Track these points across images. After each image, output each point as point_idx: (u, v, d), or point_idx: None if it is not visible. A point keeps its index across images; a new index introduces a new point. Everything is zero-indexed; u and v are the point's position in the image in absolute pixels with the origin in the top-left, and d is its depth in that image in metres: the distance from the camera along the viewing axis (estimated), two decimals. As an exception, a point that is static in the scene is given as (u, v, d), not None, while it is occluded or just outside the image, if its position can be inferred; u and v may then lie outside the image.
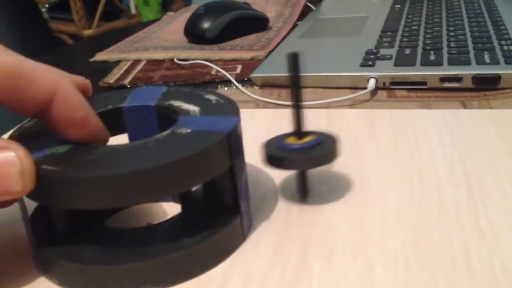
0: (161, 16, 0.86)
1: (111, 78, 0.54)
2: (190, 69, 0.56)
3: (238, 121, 0.25)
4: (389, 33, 0.58)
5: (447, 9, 0.67)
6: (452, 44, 0.51)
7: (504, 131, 0.34)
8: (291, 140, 0.27)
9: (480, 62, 0.45)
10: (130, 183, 0.21)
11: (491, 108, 0.40)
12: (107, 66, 0.59)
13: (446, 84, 0.44)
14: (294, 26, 0.70)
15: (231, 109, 0.26)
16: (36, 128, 0.25)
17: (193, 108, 0.27)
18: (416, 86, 0.45)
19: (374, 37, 0.57)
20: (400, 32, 0.58)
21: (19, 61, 0.21)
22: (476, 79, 0.43)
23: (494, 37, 0.52)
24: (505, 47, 0.48)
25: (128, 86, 0.52)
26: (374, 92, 0.45)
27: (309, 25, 0.66)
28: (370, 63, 0.48)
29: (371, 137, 0.35)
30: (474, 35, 0.53)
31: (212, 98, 0.28)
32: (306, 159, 0.26)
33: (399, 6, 0.73)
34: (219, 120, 0.25)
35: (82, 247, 0.24)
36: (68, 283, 0.23)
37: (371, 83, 0.45)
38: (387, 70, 0.46)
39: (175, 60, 0.58)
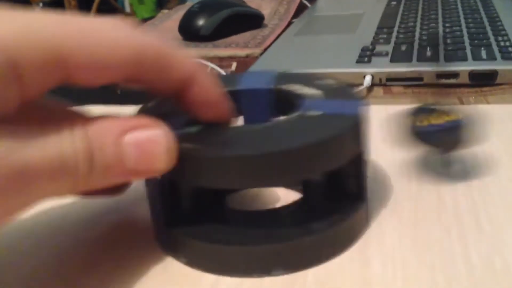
0: (156, 14, 0.85)
1: (105, 76, 0.54)
2: (184, 66, 0.55)
3: (366, 104, 0.24)
4: (385, 30, 0.58)
5: (443, 6, 0.67)
6: (448, 40, 0.51)
7: (501, 126, 0.33)
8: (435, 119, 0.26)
9: (476, 58, 0.45)
10: (268, 164, 0.21)
11: (488, 103, 0.40)
12: (101, 64, 0.59)
13: (443, 80, 0.44)
14: (290, 23, 0.70)
15: (352, 93, 0.26)
16: (159, 109, 0.25)
17: (315, 91, 0.26)
18: (413, 82, 0.45)
19: (370, 34, 0.57)
20: (396, 29, 0.58)
21: (165, 43, 0.21)
22: (473, 75, 0.43)
23: (490, 33, 0.52)
24: (502, 43, 0.48)
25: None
26: (370, 88, 0.45)
27: (305, 23, 0.66)
28: (366, 59, 0.48)
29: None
30: (471, 31, 0.53)
31: (331, 82, 0.28)
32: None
33: (395, 2, 0.73)
34: (347, 103, 0.25)
35: (211, 227, 0.24)
36: (196, 263, 0.23)
37: (367, 80, 0.45)
38: (383, 67, 0.46)
39: (170, 57, 0.58)
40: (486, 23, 0.55)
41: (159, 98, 0.26)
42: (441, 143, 0.26)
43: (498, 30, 0.52)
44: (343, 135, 0.22)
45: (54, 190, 0.19)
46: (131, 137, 0.20)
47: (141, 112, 0.26)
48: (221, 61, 0.56)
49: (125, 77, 0.21)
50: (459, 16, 0.60)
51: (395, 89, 0.45)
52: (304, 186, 0.27)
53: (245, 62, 0.55)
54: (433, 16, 0.61)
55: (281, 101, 0.27)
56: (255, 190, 0.29)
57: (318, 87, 0.27)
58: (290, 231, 0.23)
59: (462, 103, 0.40)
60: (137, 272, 0.23)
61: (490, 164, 0.29)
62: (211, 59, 0.57)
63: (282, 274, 0.22)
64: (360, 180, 0.25)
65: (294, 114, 0.24)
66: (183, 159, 0.21)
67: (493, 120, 0.34)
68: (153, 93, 0.23)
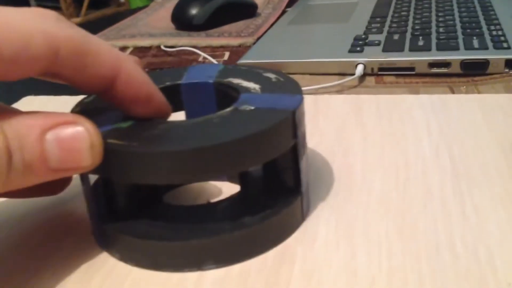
0: (149, 3, 0.84)
1: (97, 66, 0.53)
2: (177, 56, 0.55)
3: (302, 99, 0.24)
4: (378, 19, 0.58)
5: (436, -5, 0.66)
6: (441, 30, 0.51)
7: (491, 116, 0.33)
8: None
9: (468, 47, 0.45)
10: (197, 159, 0.21)
11: (479, 93, 0.40)
12: (93, 54, 0.58)
13: (434, 70, 0.44)
14: (283, 12, 0.69)
15: (292, 87, 0.26)
16: (96, 104, 0.25)
17: (253, 85, 0.26)
18: (404, 72, 0.45)
19: (363, 23, 0.57)
20: (389, 18, 0.57)
21: (86, 38, 0.21)
22: (464, 64, 0.43)
23: (483, 22, 0.52)
24: (494, 32, 0.48)
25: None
26: (362, 78, 0.45)
27: (298, 12, 0.66)
28: (358, 49, 0.48)
29: (357, 123, 0.34)
30: (463, 21, 0.53)
31: (272, 76, 0.27)
32: None
33: (389, -9, 0.72)
34: (282, 98, 0.25)
35: (144, 223, 0.24)
36: (129, 258, 0.23)
37: (359, 69, 0.45)
38: (375, 56, 0.46)
39: (162, 47, 0.57)
40: (479, 12, 0.55)
41: None
42: None
43: (491, 19, 0.52)
44: (272, 129, 0.22)
45: None
46: (52, 135, 0.20)
47: (78, 107, 0.25)
48: (213, 50, 0.56)
49: (40, 71, 0.20)
50: (452, 5, 0.60)
51: (387, 79, 0.45)
52: (241, 180, 0.27)
53: (237, 52, 0.55)
54: (426, 5, 0.61)
55: (222, 95, 0.27)
56: (197, 185, 0.29)
57: (257, 81, 0.27)
58: (221, 226, 0.23)
59: (453, 92, 0.40)
60: (72, 265, 0.23)
61: (478, 153, 0.29)
62: (203, 48, 0.57)
63: (213, 268, 0.23)
64: (296, 174, 0.25)
65: (228, 109, 0.24)
66: (111, 155, 0.21)
67: (483, 110, 0.34)
68: (78, 89, 0.22)
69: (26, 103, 0.44)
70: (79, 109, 0.25)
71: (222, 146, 0.21)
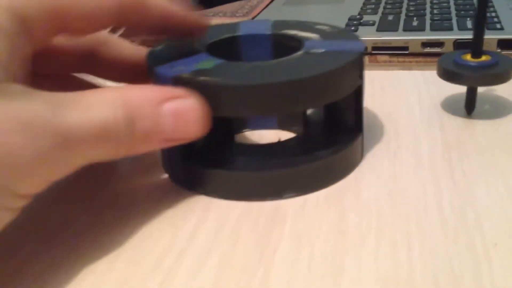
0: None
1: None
2: (171, 34, 0.55)
3: (364, 44, 0.26)
4: (373, 0, 0.58)
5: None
6: (435, 11, 0.51)
7: (485, 93, 0.34)
8: (469, 58, 0.30)
9: (462, 28, 0.45)
10: (289, 91, 0.23)
11: (471, 71, 0.40)
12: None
13: (428, 49, 0.44)
14: (279, -6, 0.69)
15: (349, 35, 0.28)
16: (169, 50, 0.27)
17: (311, 35, 0.28)
18: (398, 51, 0.45)
19: (358, 4, 0.57)
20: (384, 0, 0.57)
21: None
22: (458, 43, 0.43)
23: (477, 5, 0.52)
24: (488, 14, 0.48)
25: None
26: (356, 56, 0.45)
27: (294, -7, 0.66)
28: (353, 28, 0.48)
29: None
30: (458, 3, 0.53)
31: (324, 27, 0.29)
32: (485, 77, 0.29)
33: (384, -25, 0.72)
34: (346, 43, 0.26)
35: (225, 158, 0.26)
36: (213, 191, 0.25)
37: (353, 48, 0.45)
38: (369, 35, 0.46)
39: (157, 25, 0.57)
40: (474, -5, 0.55)
41: (164, 42, 0.28)
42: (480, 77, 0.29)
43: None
44: (347, 68, 0.24)
45: (96, 155, 0.20)
46: (168, 107, 0.21)
47: (152, 55, 0.26)
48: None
49: (112, 23, 0.23)
50: (447, -12, 0.60)
51: (381, 58, 0.45)
52: (304, 121, 0.29)
53: (232, 30, 0.54)
54: (421, -12, 0.61)
55: (280, 45, 0.29)
56: (257, 132, 0.31)
57: (314, 31, 0.29)
58: (299, 158, 0.25)
59: (445, 71, 0.41)
60: (161, 210, 0.24)
61: (469, 124, 0.30)
62: (198, 27, 0.57)
63: (293, 196, 0.24)
64: (358, 112, 0.27)
65: (299, 52, 0.26)
66: (205, 91, 0.22)
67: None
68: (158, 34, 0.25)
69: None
70: (154, 57, 0.26)
71: (309, 80, 0.23)
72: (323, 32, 0.28)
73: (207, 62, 0.25)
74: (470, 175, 0.25)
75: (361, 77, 0.26)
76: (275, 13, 0.57)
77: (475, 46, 0.29)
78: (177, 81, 0.23)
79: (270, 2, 0.64)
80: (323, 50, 0.26)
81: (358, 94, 0.26)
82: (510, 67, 0.29)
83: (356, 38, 0.27)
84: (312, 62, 0.24)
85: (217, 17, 0.59)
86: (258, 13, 0.59)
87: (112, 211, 0.24)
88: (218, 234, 0.22)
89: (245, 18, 0.57)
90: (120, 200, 0.25)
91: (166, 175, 0.27)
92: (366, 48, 0.26)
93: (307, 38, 0.28)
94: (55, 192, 0.26)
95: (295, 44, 0.28)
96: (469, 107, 0.31)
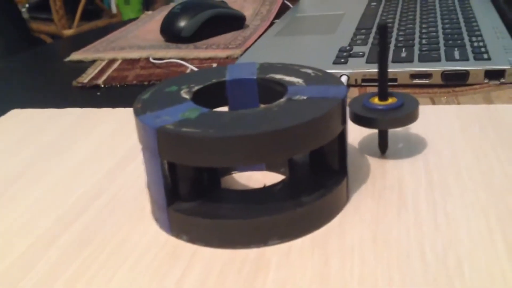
0: (141, 15, 0.85)
1: (85, 78, 0.54)
2: (165, 68, 0.56)
3: (346, 89, 0.27)
4: (363, 31, 0.58)
5: (421, 6, 0.68)
6: (423, 41, 0.52)
7: (468, 126, 0.34)
8: (376, 101, 0.30)
9: (449, 58, 0.46)
10: (268, 141, 0.23)
11: (458, 103, 0.40)
12: (82, 66, 0.59)
13: (416, 81, 0.45)
14: (271, 24, 0.70)
15: (333, 79, 0.28)
16: (154, 99, 0.27)
17: (296, 79, 0.29)
18: (388, 83, 0.45)
19: (348, 35, 0.58)
20: (374, 30, 0.58)
21: None
22: (445, 75, 0.44)
23: (465, 34, 0.53)
24: (475, 43, 0.49)
25: (102, 86, 0.52)
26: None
27: (286, 23, 0.67)
28: (342, 60, 0.49)
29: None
30: (446, 32, 0.54)
31: (309, 71, 0.30)
32: (393, 120, 0.29)
33: (375, 3, 0.73)
34: (329, 88, 0.27)
35: (209, 205, 0.26)
36: (199, 239, 0.25)
37: (343, 80, 0.45)
38: (359, 67, 0.46)
39: (151, 59, 0.58)
40: (462, 24, 0.56)
41: (152, 89, 0.29)
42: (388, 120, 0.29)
43: (473, 31, 0.53)
44: (329, 115, 0.25)
45: None
46: None
47: (139, 103, 0.27)
48: (201, 62, 0.57)
49: None
50: (436, 17, 0.61)
51: (371, 90, 0.45)
52: (289, 165, 0.29)
53: (225, 63, 0.55)
54: (411, 17, 0.62)
55: (266, 90, 0.30)
56: (245, 175, 0.31)
57: (298, 75, 0.29)
58: (283, 204, 0.25)
59: (433, 103, 0.41)
60: (145, 255, 0.25)
61: (454, 162, 0.30)
62: (191, 60, 0.57)
63: (278, 243, 0.25)
64: (342, 156, 0.27)
65: (283, 99, 0.26)
66: (188, 142, 0.23)
67: (461, 120, 0.35)
68: None
69: (13, 116, 0.44)
70: (141, 106, 0.27)
71: (291, 129, 0.23)
72: (307, 76, 0.29)
73: (192, 112, 0.25)
74: (453, 217, 0.25)
75: (343, 122, 0.26)
76: (267, 44, 0.58)
77: (381, 90, 0.30)
78: (161, 132, 0.24)
79: (263, 33, 0.65)
80: (305, 97, 0.26)
81: (341, 138, 0.27)
82: (415, 108, 0.29)
83: (339, 83, 0.28)
84: (294, 110, 0.25)
85: (210, 49, 0.60)
86: (251, 45, 0.60)
87: (99, 260, 0.25)
88: (203, 285, 0.22)
89: (238, 50, 0.58)
90: (108, 248, 0.25)
91: (154, 223, 0.27)
92: (346, 94, 0.26)
93: (291, 83, 0.28)
94: (45, 239, 0.26)
95: (280, 89, 0.28)
96: (382, 147, 0.31)
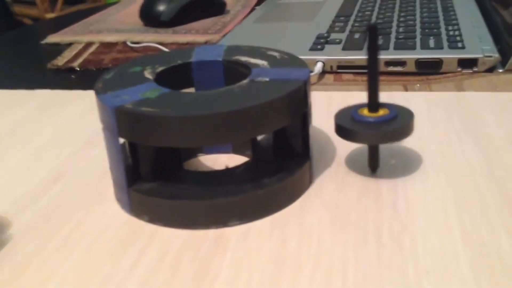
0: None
1: (60, 61, 0.53)
2: (142, 52, 0.55)
3: (309, 71, 0.27)
4: (342, 18, 0.58)
5: (402, -5, 0.68)
6: (401, 29, 0.52)
7: (435, 113, 0.34)
8: (366, 112, 0.27)
9: (424, 46, 0.46)
10: (229, 121, 0.23)
11: (431, 91, 0.41)
12: (59, 49, 0.59)
13: (391, 68, 0.45)
14: (252, 10, 0.70)
15: (297, 62, 0.28)
16: (117, 79, 0.27)
17: (261, 62, 0.29)
18: (362, 70, 0.45)
19: (327, 22, 0.57)
20: (353, 17, 0.58)
21: None
22: (419, 63, 0.44)
23: (442, 23, 0.53)
24: (451, 32, 0.49)
25: (77, 69, 0.52)
26: (321, 75, 0.46)
27: (266, 10, 0.66)
28: (319, 47, 0.49)
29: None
30: (424, 21, 0.54)
31: (275, 54, 0.30)
32: (385, 134, 0.26)
33: (357, -9, 0.73)
34: (292, 71, 0.27)
35: (170, 186, 0.26)
36: (159, 219, 0.25)
37: (318, 67, 0.45)
38: (334, 54, 0.46)
39: (128, 43, 0.58)
40: (440, 13, 0.56)
41: (116, 69, 0.29)
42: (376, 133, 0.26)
43: (450, 20, 0.53)
44: (289, 96, 0.25)
45: None
46: None
47: (100, 82, 0.27)
48: (180, 47, 0.56)
49: None
50: (415, 6, 0.61)
51: (345, 76, 0.45)
52: (253, 147, 0.29)
53: (202, 48, 0.55)
54: (390, 6, 0.62)
55: (231, 72, 0.30)
56: (210, 157, 0.31)
57: (264, 58, 0.29)
58: (244, 186, 0.25)
59: (406, 90, 0.41)
60: (97, 230, 0.25)
61: (418, 147, 0.30)
62: (170, 45, 0.57)
63: (238, 224, 0.25)
64: (305, 139, 0.27)
65: (245, 81, 0.26)
66: (147, 122, 0.23)
67: (428, 107, 0.35)
68: None
69: (-15, 96, 0.44)
70: (102, 85, 0.27)
71: (249, 110, 0.23)
72: (273, 59, 0.29)
73: (153, 92, 0.25)
74: (412, 201, 0.25)
75: (305, 104, 0.26)
76: (246, 31, 0.57)
77: (372, 100, 0.26)
78: (119, 112, 0.23)
79: (243, 19, 0.64)
80: (267, 79, 0.26)
81: (304, 121, 0.27)
82: (410, 120, 0.26)
83: (304, 66, 0.28)
84: (254, 92, 0.25)
85: (189, 34, 0.60)
86: (230, 30, 0.59)
87: (55, 241, 0.24)
88: (159, 265, 0.22)
89: (217, 36, 0.58)
90: (65, 229, 0.25)
91: (116, 204, 0.27)
92: (309, 77, 0.26)
93: (256, 65, 0.28)
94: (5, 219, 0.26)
95: (245, 71, 0.28)
96: (373, 165, 0.28)
